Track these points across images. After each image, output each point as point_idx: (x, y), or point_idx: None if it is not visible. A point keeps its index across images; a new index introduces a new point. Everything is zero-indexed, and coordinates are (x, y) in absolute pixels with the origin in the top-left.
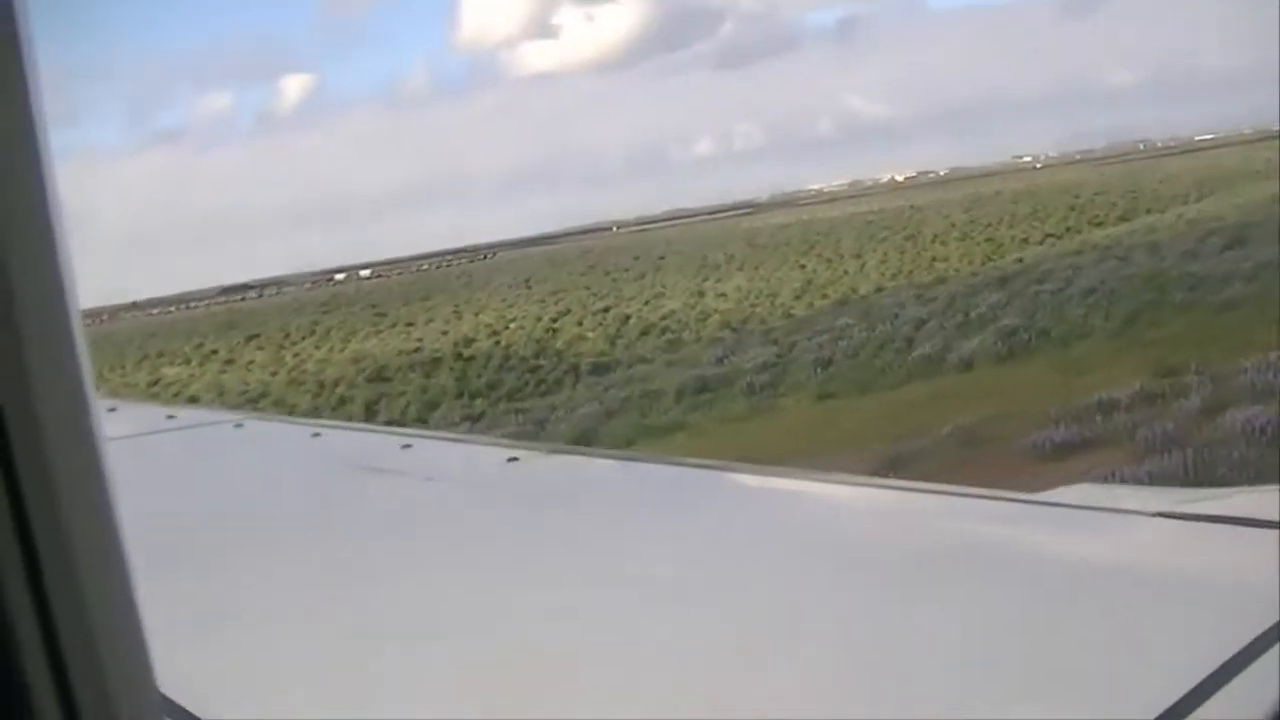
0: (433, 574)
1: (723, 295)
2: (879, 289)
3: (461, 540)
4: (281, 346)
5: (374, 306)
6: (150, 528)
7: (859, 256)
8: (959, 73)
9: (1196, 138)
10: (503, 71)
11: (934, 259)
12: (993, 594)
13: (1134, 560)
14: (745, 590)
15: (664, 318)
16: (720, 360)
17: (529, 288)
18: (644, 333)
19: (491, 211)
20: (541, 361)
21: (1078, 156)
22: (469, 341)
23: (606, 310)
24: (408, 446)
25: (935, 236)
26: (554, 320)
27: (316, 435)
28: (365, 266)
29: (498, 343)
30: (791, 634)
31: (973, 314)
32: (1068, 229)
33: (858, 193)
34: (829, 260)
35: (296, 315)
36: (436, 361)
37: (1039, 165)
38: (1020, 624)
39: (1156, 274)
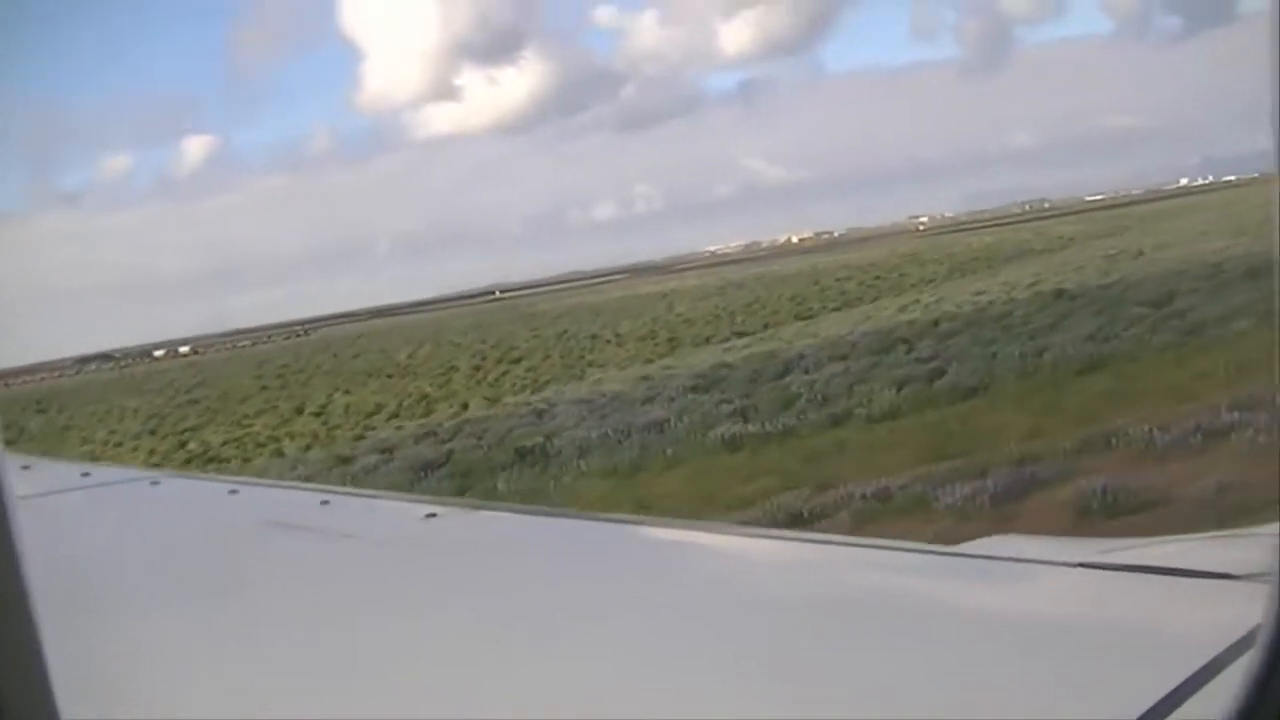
0: (342, 630)
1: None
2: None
3: (374, 596)
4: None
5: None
6: (58, 585)
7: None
8: (859, 134)
9: (1086, 197)
10: (404, 133)
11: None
12: (906, 646)
13: (1054, 611)
14: (659, 643)
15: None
16: None
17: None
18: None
19: (386, 275)
20: None
21: (970, 217)
22: None
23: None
24: (325, 503)
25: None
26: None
27: (234, 492)
28: (184, 342)
29: None
30: (701, 685)
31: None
32: (733, 334)
33: (748, 255)
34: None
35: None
36: None
37: (921, 227)
38: (934, 676)
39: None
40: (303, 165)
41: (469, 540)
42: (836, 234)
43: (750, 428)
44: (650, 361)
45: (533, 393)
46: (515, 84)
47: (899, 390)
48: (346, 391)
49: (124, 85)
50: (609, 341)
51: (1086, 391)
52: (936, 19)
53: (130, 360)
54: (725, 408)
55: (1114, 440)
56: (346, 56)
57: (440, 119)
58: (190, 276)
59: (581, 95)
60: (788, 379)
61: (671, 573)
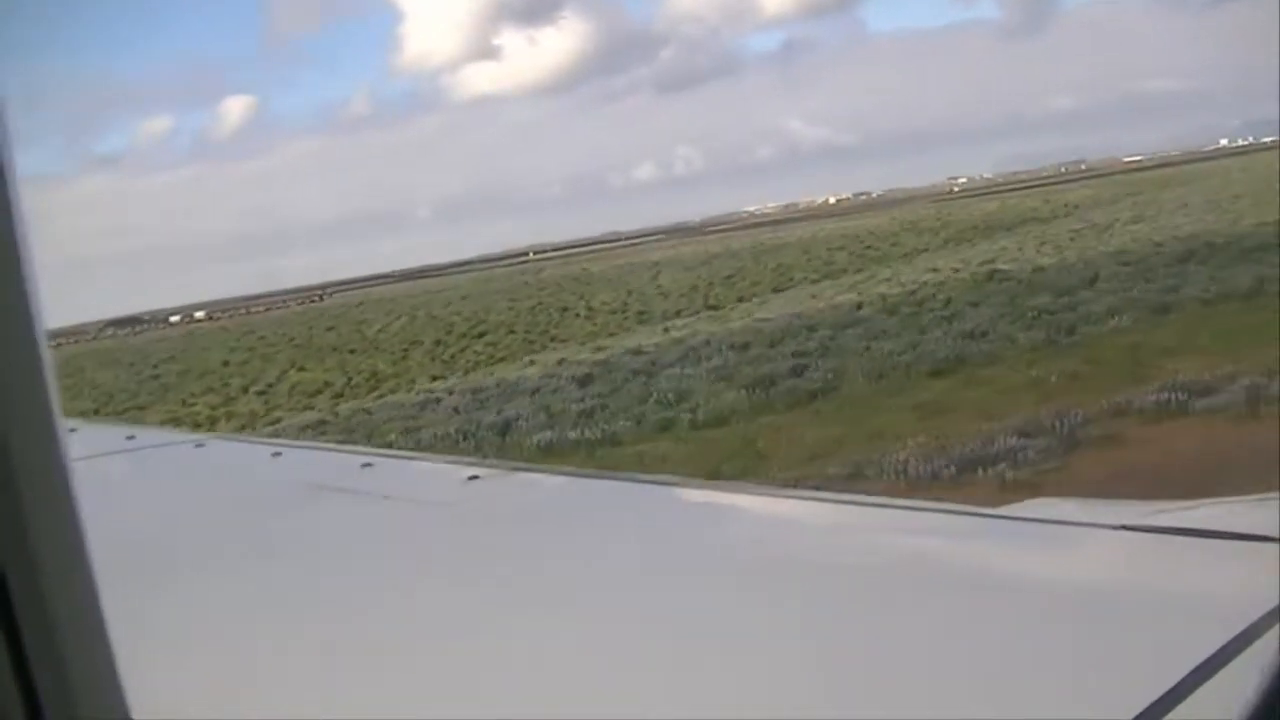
0: (387, 593)
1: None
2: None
3: (417, 559)
4: None
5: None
6: (109, 549)
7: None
8: (900, 96)
9: (1125, 159)
10: (443, 95)
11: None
12: (952, 608)
13: (1095, 575)
14: (705, 605)
15: None
16: None
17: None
18: None
19: (429, 237)
20: None
21: (1006, 179)
22: None
23: None
24: (368, 465)
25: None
26: None
27: (277, 455)
28: (199, 307)
29: None
30: (750, 648)
31: None
32: (705, 308)
33: (786, 216)
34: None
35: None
36: None
37: (955, 190)
38: (973, 640)
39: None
40: (341, 127)
41: (510, 502)
42: (874, 195)
43: (575, 434)
44: (592, 342)
45: (465, 375)
46: (555, 44)
47: (746, 391)
48: (302, 368)
49: (163, 49)
50: (578, 315)
51: (917, 399)
52: None
53: (149, 325)
54: (577, 407)
55: (883, 466)
56: (386, 18)
57: (480, 79)
58: (228, 239)
59: (621, 56)
60: (670, 371)
61: (712, 535)
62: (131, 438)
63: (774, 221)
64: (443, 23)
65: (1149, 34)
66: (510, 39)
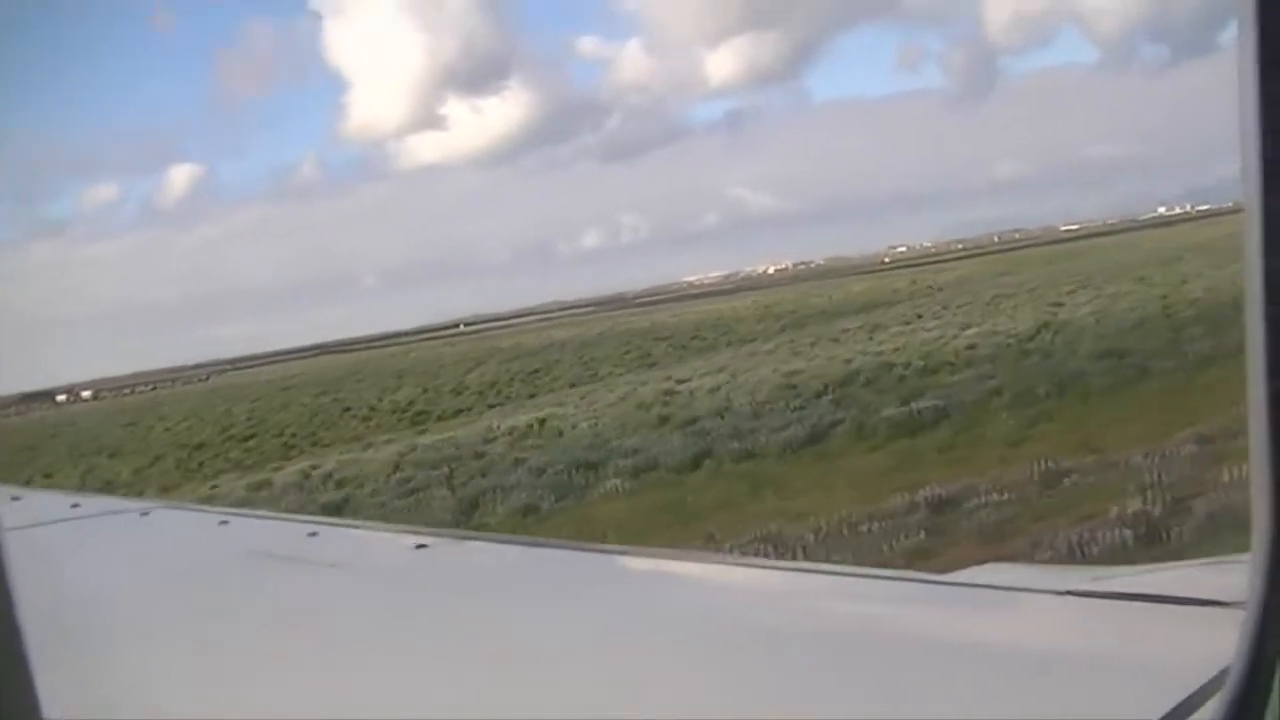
0: (327, 661)
1: None
2: None
3: (362, 627)
4: None
5: None
6: (48, 617)
7: None
8: (846, 164)
9: (1062, 227)
10: (390, 163)
11: None
12: (895, 675)
13: (1040, 640)
14: (643, 674)
15: None
16: None
17: None
18: None
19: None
20: None
21: (945, 247)
22: None
23: None
24: (314, 534)
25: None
26: None
27: (224, 523)
28: (87, 386)
29: None
30: (685, 716)
31: None
32: (487, 407)
33: (734, 285)
34: None
35: None
36: None
37: (886, 261)
38: (918, 705)
39: None
40: (288, 195)
41: (457, 571)
42: (815, 263)
43: None
44: (345, 448)
45: (193, 488)
46: (500, 114)
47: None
48: (48, 474)
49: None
50: (357, 416)
51: None
52: (922, 48)
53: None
54: None
55: None
56: (333, 85)
57: (426, 148)
58: (172, 306)
59: (566, 125)
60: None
61: (657, 602)
62: (76, 505)
63: (710, 293)
64: (389, 91)
65: (1094, 101)
66: (456, 108)
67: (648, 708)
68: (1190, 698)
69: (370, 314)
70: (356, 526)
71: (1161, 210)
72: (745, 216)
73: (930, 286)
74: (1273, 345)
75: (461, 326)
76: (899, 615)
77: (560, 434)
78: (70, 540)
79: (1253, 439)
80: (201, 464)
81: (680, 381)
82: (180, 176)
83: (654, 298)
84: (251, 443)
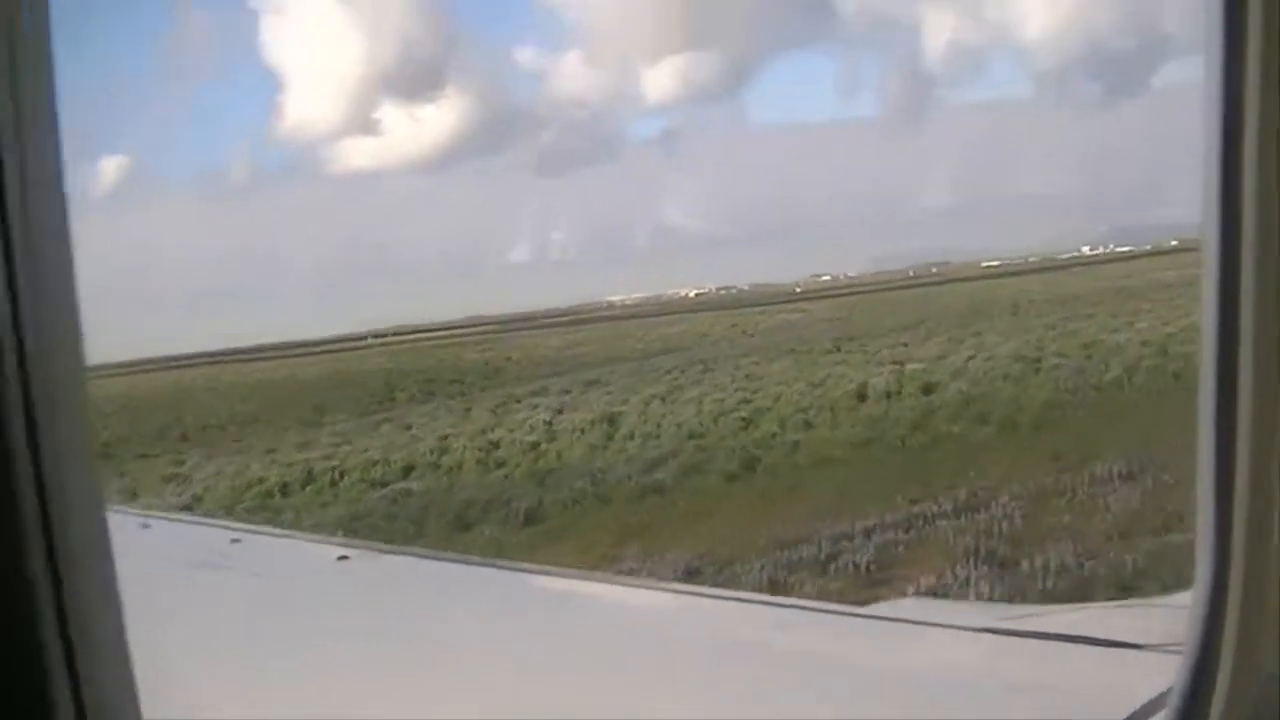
0: (245, 667)
1: None
2: None
3: (282, 637)
4: None
5: None
6: None
7: None
8: (778, 189)
9: (984, 263)
10: (323, 166)
11: None
12: (810, 705)
13: (953, 676)
14: (549, 691)
15: None
16: None
17: None
18: None
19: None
20: None
21: (872, 277)
22: None
23: None
24: (236, 541)
25: None
26: None
27: (146, 527)
28: None
29: None
30: None
31: None
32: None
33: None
34: None
35: None
36: None
37: (798, 290)
38: None
39: None
40: (219, 192)
41: (376, 583)
42: (739, 289)
43: None
44: None
45: None
46: (435, 121)
47: None
48: None
49: None
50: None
51: None
52: (859, 76)
53: None
54: None
55: None
56: (268, 84)
57: (359, 154)
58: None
59: (501, 136)
60: None
61: (569, 621)
62: None
63: (629, 316)
64: (324, 93)
65: (1027, 137)
66: (391, 113)
67: None
68: None
69: (292, 317)
70: (278, 535)
71: (1085, 249)
72: (676, 237)
73: (747, 331)
74: (1222, 391)
75: (369, 340)
76: (819, 646)
77: None
78: None
79: (1200, 484)
80: None
81: None
82: (109, 168)
83: (569, 318)
84: None
